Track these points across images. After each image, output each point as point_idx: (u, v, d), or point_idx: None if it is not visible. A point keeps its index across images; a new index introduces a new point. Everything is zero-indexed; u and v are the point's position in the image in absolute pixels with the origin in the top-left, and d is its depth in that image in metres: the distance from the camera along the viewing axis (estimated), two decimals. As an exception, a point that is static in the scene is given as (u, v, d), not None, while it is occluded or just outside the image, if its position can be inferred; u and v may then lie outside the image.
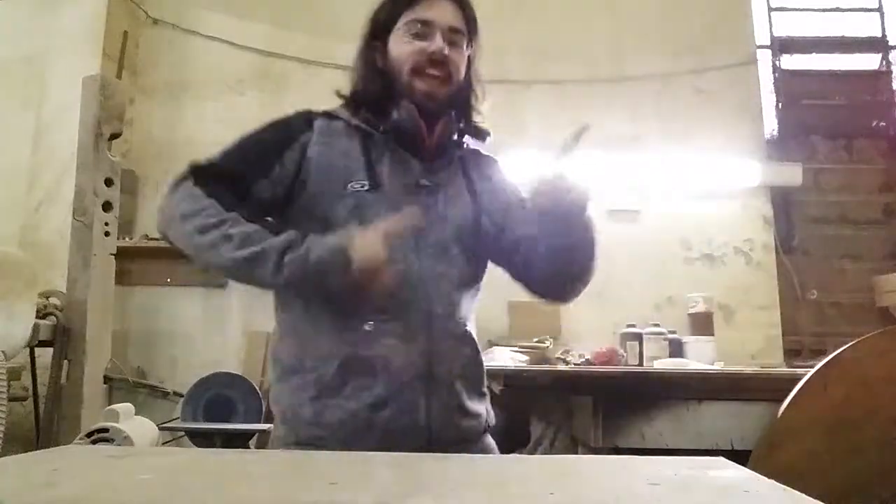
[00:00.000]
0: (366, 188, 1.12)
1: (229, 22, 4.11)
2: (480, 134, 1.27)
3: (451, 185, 1.21)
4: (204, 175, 1.14)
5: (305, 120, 1.24)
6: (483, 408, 1.19)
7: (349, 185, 1.12)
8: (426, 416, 1.08)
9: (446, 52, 1.16)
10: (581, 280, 1.20)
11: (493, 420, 1.21)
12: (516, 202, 1.25)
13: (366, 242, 0.99)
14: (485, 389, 1.21)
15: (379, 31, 1.23)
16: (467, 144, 1.28)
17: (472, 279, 1.20)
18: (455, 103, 1.22)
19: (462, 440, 1.12)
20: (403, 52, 1.18)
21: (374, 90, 1.20)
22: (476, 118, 1.26)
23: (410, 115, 1.15)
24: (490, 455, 1.19)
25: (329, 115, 1.25)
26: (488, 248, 1.23)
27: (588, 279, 1.20)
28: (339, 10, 4.08)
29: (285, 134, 1.21)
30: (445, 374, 1.10)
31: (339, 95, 1.27)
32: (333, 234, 1.02)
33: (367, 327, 1.07)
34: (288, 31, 4.09)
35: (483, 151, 1.32)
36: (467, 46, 1.23)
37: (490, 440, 1.22)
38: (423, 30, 1.17)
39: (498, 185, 1.28)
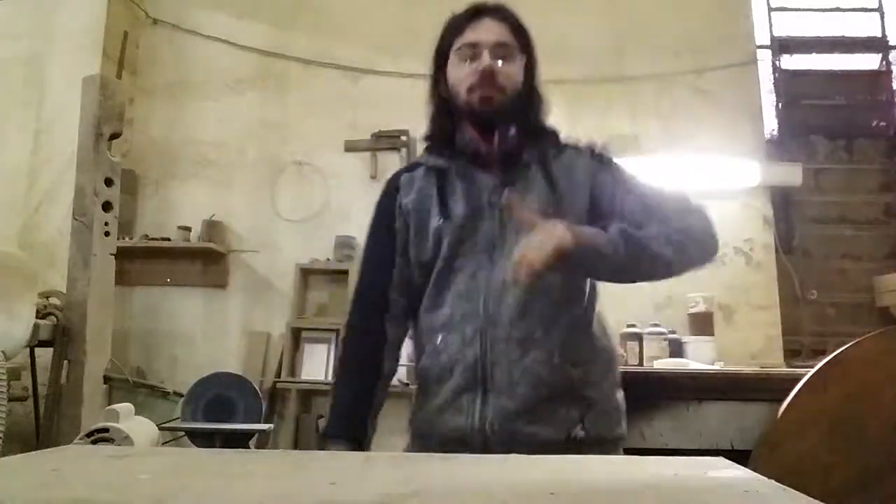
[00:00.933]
0: (441, 221, 1.24)
1: (229, 22, 4.11)
2: (549, 135, 1.31)
3: (528, 191, 1.24)
4: (357, 312, 1.35)
5: (392, 185, 1.36)
6: (571, 414, 1.16)
7: (431, 223, 1.25)
8: (479, 421, 1.15)
9: (495, 68, 1.23)
10: (697, 266, 1.28)
11: (582, 432, 1.16)
12: (613, 184, 1.26)
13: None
14: (585, 395, 1.19)
15: (439, 63, 1.32)
16: (542, 145, 1.30)
17: (561, 283, 1.20)
18: (516, 111, 1.26)
19: (534, 446, 1.06)
20: (458, 76, 1.26)
21: (442, 122, 1.30)
22: (543, 120, 1.31)
23: (469, 139, 1.25)
24: (490, 455, 1.18)
25: (413, 166, 1.37)
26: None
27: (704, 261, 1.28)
28: (339, 10, 4.09)
29: (383, 211, 1.35)
30: (504, 380, 1.15)
31: (425, 139, 1.36)
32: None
33: (439, 337, 1.21)
34: (288, 31, 4.10)
35: (571, 142, 1.33)
36: (521, 56, 1.29)
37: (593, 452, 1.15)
38: (472, 52, 1.25)
39: (579, 174, 1.28)
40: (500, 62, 1.24)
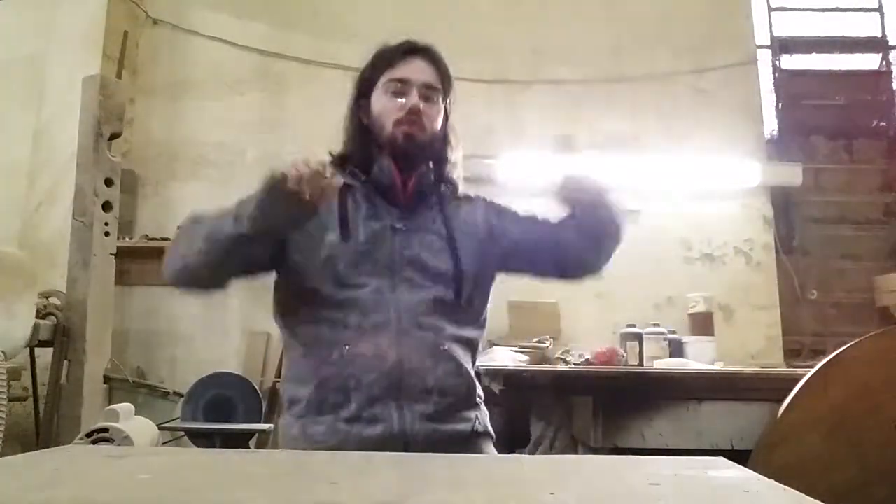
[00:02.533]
0: (339, 240, 1.24)
1: (229, 22, 4.11)
2: (451, 182, 1.38)
3: (426, 228, 1.31)
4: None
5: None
6: (472, 415, 1.27)
7: (326, 238, 1.24)
8: (399, 426, 1.18)
9: (420, 106, 1.27)
10: (616, 239, 1.39)
11: (484, 425, 1.29)
12: (506, 218, 1.41)
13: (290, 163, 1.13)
14: (476, 399, 1.30)
15: (363, 90, 1.36)
16: (445, 189, 1.38)
17: (456, 307, 1.28)
18: (431, 153, 1.32)
19: (447, 444, 1.19)
20: (385, 109, 1.30)
21: (359, 147, 1.34)
22: (449, 168, 1.37)
23: (387, 170, 1.28)
24: (490, 455, 1.20)
25: None
26: (475, 274, 1.31)
27: (620, 237, 1.39)
28: (339, 10, 4.09)
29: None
30: (419, 388, 1.20)
31: (331, 155, 1.40)
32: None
33: (344, 348, 1.20)
34: (288, 31, 4.10)
35: (465, 193, 1.41)
36: (443, 101, 1.34)
37: (484, 443, 1.30)
38: (401, 88, 1.29)
39: (475, 219, 1.38)
40: (426, 105, 1.29)
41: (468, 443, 1.25)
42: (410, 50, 1.32)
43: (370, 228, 1.27)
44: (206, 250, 1.21)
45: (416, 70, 1.30)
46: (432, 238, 1.30)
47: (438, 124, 1.32)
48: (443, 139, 1.34)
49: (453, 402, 1.24)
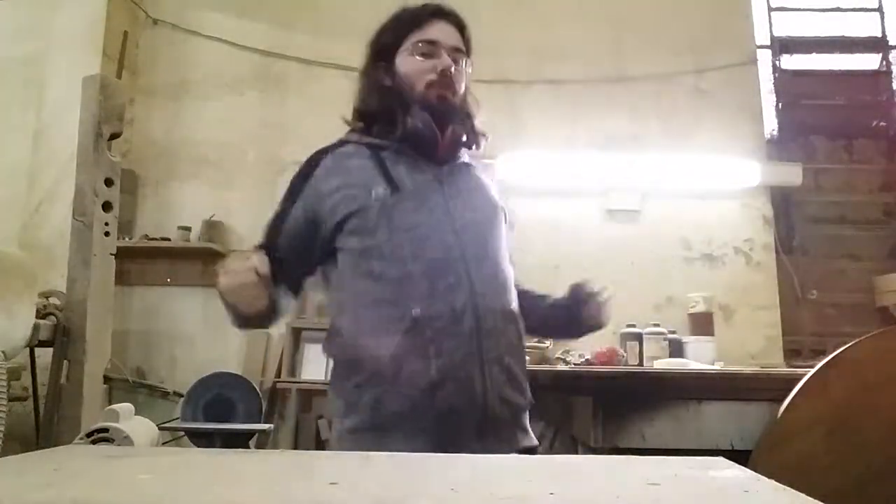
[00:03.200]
0: (388, 192, 1.22)
1: (229, 22, 4.11)
2: (478, 139, 1.38)
3: (464, 182, 1.33)
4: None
5: (311, 165, 1.34)
6: (527, 384, 1.28)
7: (372, 193, 1.22)
8: (482, 392, 1.15)
9: (452, 68, 1.29)
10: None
11: (530, 399, 1.29)
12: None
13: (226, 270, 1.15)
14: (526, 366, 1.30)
15: (384, 52, 1.35)
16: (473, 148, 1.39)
17: (507, 264, 1.31)
18: (459, 114, 1.34)
19: (512, 415, 1.22)
20: (415, 69, 1.29)
21: (387, 106, 1.30)
22: (475, 128, 1.37)
23: (425, 120, 1.26)
24: (490, 455, 1.19)
25: (339, 144, 1.36)
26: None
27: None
28: (339, 10, 4.09)
29: (295, 192, 1.31)
30: (494, 351, 1.18)
31: (346, 122, 1.39)
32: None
33: (416, 312, 1.14)
34: (288, 31, 4.10)
35: (469, 160, 1.41)
36: (464, 65, 1.35)
37: (527, 418, 1.30)
38: (430, 49, 1.29)
39: (490, 187, 1.40)
40: (454, 67, 1.31)
41: (525, 420, 1.28)
42: (437, 12, 1.33)
43: (415, 180, 1.26)
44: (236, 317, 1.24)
45: (445, 33, 1.31)
46: (469, 189, 1.32)
47: (463, 85, 1.34)
48: (465, 102, 1.36)
49: (518, 369, 1.25)
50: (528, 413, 1.30)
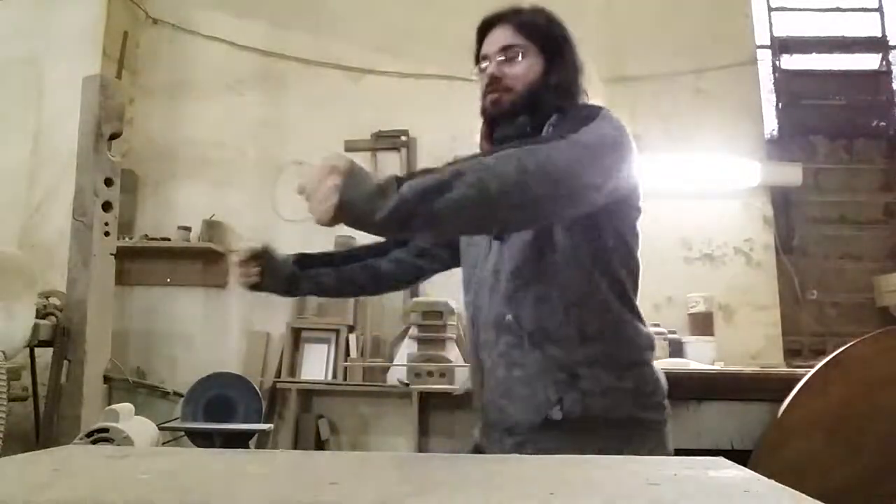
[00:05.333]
0: None
1: (229, 22, 4.11)
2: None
3: None
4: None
5: None
6: (549, 395, 1.15)
7: None
8: (480, 400, 1.27)
9: (498, 73, 1.28)
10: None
11: (560, 414, 1.14)
12: None
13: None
14: (566, 375, 1.16)
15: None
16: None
17: (541, 272, 1.20)
18: (530, 108, 1.27)
19: (512, 426, 1.20)
20: (481, 87, 1.33)
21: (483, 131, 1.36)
22: (565, 106, 1.27)
23: (482, 135, 1.32)
24: (490, 455, 1.19)
25: None
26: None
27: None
28: (339, 10, 4.09)
29: None
30: (489, 363, 1.25)
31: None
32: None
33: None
34: (288, 31, 4.10)
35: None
36: (534, 52, 1.29)
37: (556, 434, 1.15)
38: (484, 65, 1.32)
39: None
40: (505, 67, 1.28)
41: (541, 437, 1.16)
42: (483, 27, 1.34)
43: None
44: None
45: (492, 41, 1.31)
46: None
47: (529, 77, 1.28)
48: (552, 86, 1.28)
49: (520, 378, 1.28)
50: (555, 424, 1.16)
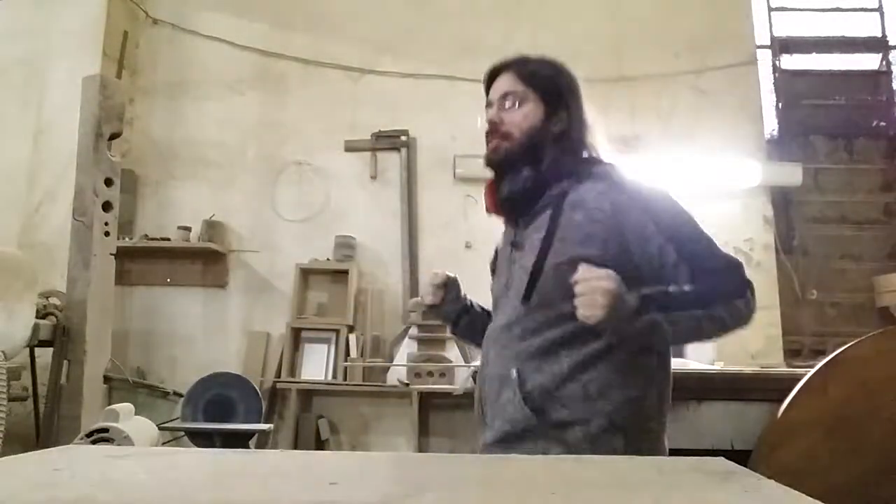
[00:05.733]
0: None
1: (229, 22, 4.11)
2: (584, 164, 1.28)
3: (536, 231, 1.24)
4: None
5: None
6: (536, 447, 1.16)
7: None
8: (482, 445, 1.27)
9: (496, 119, 1.29)
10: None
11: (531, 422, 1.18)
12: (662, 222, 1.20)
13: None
14: (546, 429, 1.16)
15: None
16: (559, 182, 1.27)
17: (540, 321, 1.20)
18: (528, 155, 1.26)
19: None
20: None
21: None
22: (579, 151, 1.29)
23: (486, 187, 1.33)
24: (491, 455, 1.19)
25: None
26: (571, 259, 1.16)
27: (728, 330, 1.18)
28: (339, 9, 4.09)
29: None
30: (489, 414, 1.26)
31: None
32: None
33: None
34: (287, 31, 4.10)
35: (609, 174, 1.26)
36: (534, 100, 1.29)
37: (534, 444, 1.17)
38: (488, 112, 1.32)
39: (600, 213, 1.20)
40: (503, 113, 1.29)
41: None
42: (489, 76, 1.35)
43: (503, 255, 1.35)
44: None
45: (496, 89, 1.32)
46: (538, 237, 1.23)
47: (529, 123, 1.27)
48: (554, 133, 1.27)
49: (512, 431, 1.18)
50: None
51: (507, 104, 1.29)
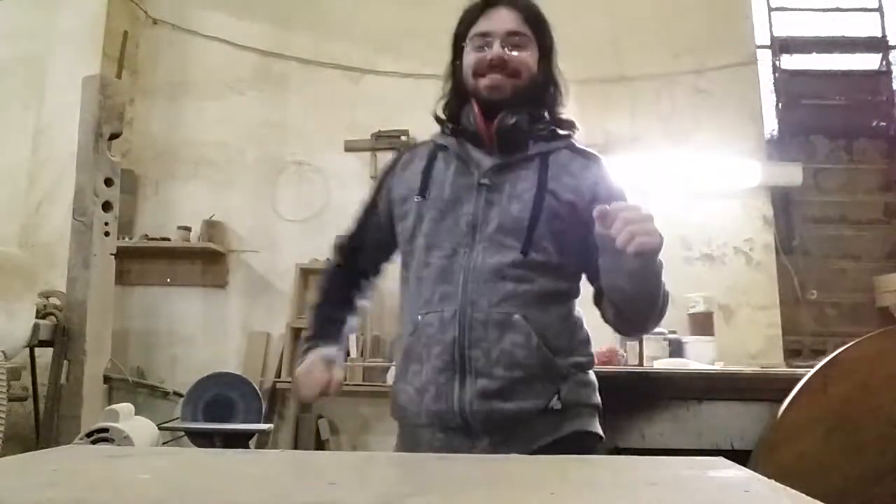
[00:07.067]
0: (418, 199, 1.27)
1: (229, 22, 4.11)
2: (563, 125, 1.32)
3: (521, 180, 1.24)
4: (337, 252, 1.50)
5: (393, 159, 1.42)
6: (549, 389, 1.18)
7: (414, 199, 1.28)
8: (458, 402, 1.16)
9: (506, 56, 1.25)
10: (643, 329, 1.31)
11: (568, 401, 1.19)
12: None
13: (300, 374, 1.31)
14: (560, 371, 1.19)
15: (455, 49, 1.35)
16: (560, 139, 1.31)
17: (536, 269, 1.20)
18: (528, 99, 1.27)
19: (511, 419, 1.16)
20: (469, 63, 1.29)
21: (453, 103, 1.33)
22: (559, 111, 1.33)
23: (472, 115, 1.25)
24: (490, 455, 1.19)
25: (420, 144, 1.41)
26: (561, 230, 1.22)
27: (651, 327, 1.26)
28: (339, 9, 4.09)
29: (376, 184, 1.42)
30: (482, 361, 1.16)
31: (436, 119, 1.37)
32: (311, 353, 1.31)
33: (419, 317, 1.22)
34: (288, 31, 4.10)
35: (583, 149, 1.32)
36: (536, 44, 1.30)
37: (567, 421, 1.19)
38: (484, 41, 1.27)
39: (584, 183, 1.26)
40: (513, 51, 1.26)
41: (540, 421, 1.17)
42: (490, 1, 1.30)
43: (456, 185, 1.26)
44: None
45: (498, 21, 1.28)
46: (525, 187, 1.23)
47: (531, 69, 1.28)
48: (542, 83, 1.30)
49: (522, 376, 1.15)
50: (566, 418, 1.19)
51: (514, 43, 1.27)
